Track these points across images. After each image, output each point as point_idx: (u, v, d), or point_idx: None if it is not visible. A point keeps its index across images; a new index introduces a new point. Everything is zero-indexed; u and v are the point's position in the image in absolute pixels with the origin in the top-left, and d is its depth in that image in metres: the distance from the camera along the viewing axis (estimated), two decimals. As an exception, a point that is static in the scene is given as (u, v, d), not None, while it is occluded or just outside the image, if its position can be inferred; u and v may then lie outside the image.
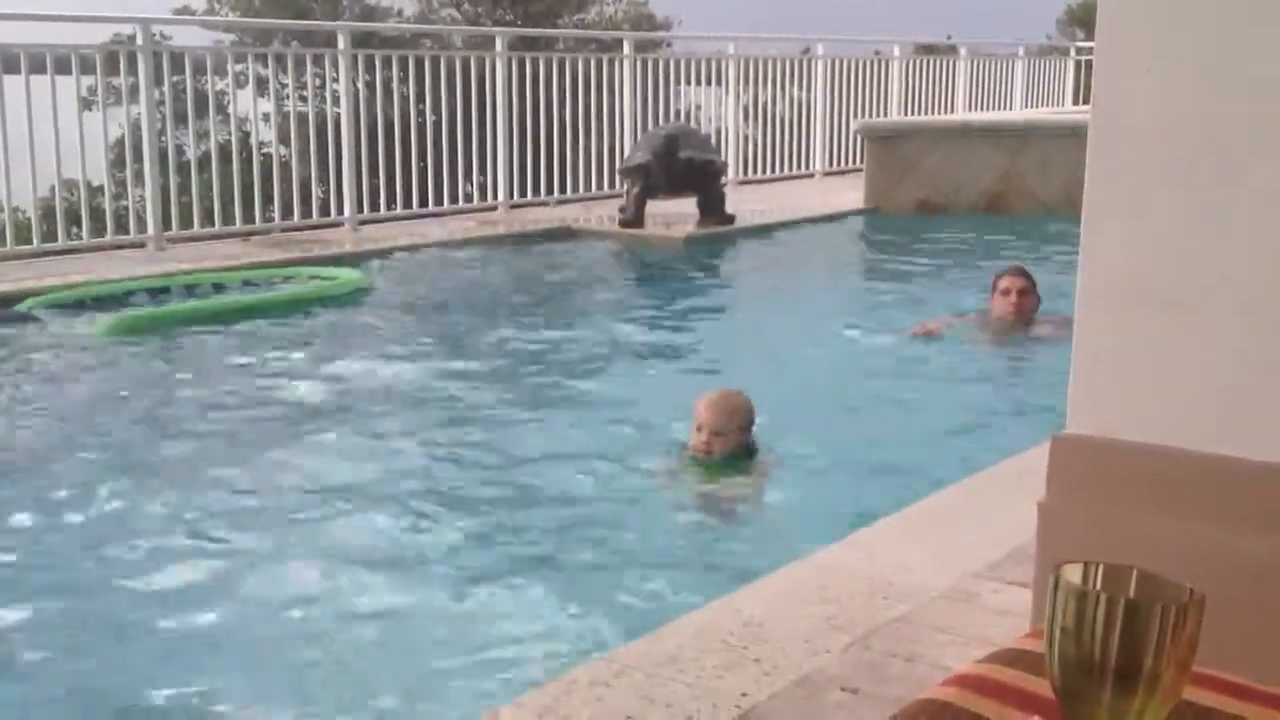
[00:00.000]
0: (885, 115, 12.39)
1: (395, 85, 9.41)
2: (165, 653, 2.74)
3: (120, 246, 7.61)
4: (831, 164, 12.19)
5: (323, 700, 2.55)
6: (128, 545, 3.31)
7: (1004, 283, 5.72)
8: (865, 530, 2.95)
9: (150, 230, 7.57)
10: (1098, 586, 1.03)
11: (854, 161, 11.83)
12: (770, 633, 2.35)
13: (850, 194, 10.32)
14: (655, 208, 8.69)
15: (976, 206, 9.89)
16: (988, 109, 13.80)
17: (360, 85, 8.97)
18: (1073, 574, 1.03)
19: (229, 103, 10.17)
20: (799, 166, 12.02)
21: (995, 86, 14.17)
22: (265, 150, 8.75)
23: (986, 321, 5.76)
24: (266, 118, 9.09)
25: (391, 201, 8.87)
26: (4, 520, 3.53)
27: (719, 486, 3.78)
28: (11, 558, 3.26)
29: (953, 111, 13.26)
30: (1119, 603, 1.00)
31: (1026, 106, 14.29)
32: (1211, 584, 1.06)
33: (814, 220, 9.51)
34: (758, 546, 3.27)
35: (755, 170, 11.68)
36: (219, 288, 6.67)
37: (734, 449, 3.81)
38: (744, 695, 2.10)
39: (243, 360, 5.34)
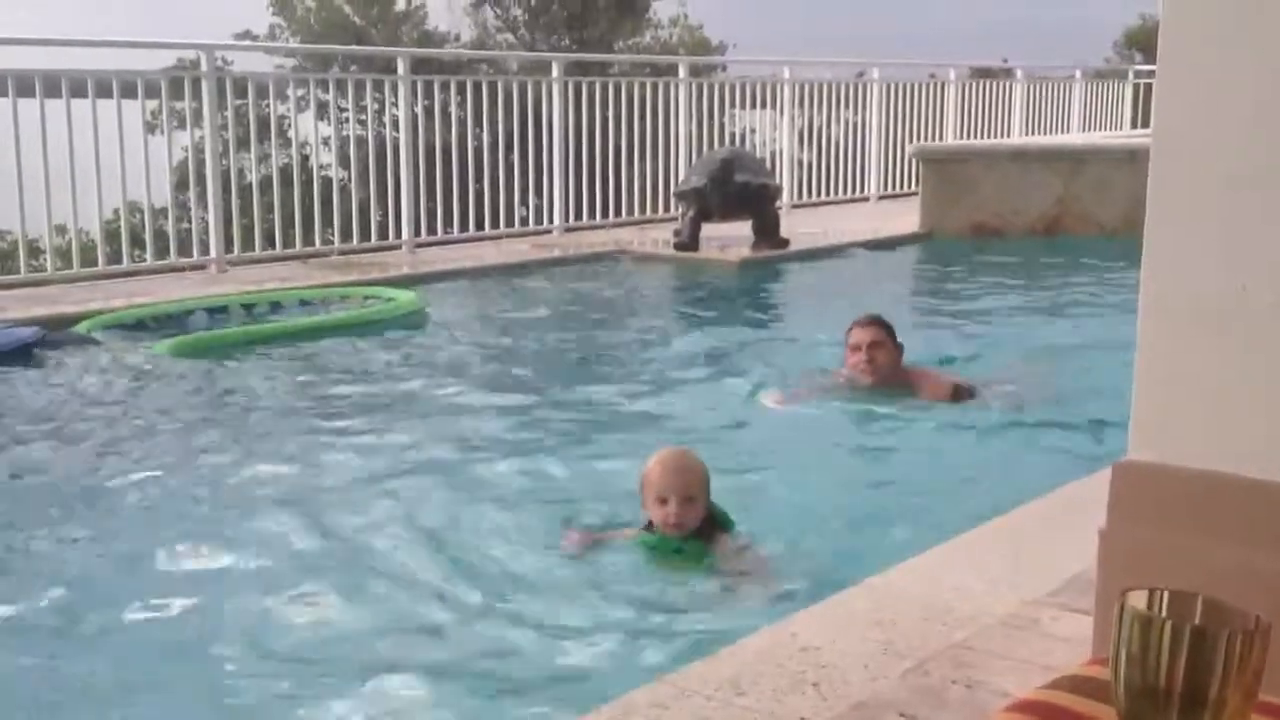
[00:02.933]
0: (941, 139, 12.36)
1: (453, 110, 9.53)
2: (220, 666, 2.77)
3: (182, 269, 7.75)
4: (886, 188, 12.16)
5: None
6: (184, 558, 3.37)
7: (853, 336, 4.86)
8: (922, 556, 2.94)
9: (212, 252, 7.70)
10: (1163, 613, 1.04)
11: (909, 185, 11.80)
12: (828, 657, 2.35)
13: (905, 218, 10.29)
14: (710, 231, 8.72)
15: (1033, 230, 9.83)
16: (1044, 133, 13.73)
17: (419, 110, 9.09)
18: (1138, 600, 1.04)
19: (289, 127, 10.34)
20: (854, 190, 12.01)
21: (1052, 110, 14.09)
22: (325, 173, 8.88)
23: (839, 383, 4.93)
24: (326, 141, 9.23)
25: (448, 224, 8.98)
26: (67, 533, 3.59)
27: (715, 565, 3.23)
28: (79, 570, 3.32)
29: (1009, 135, 13.20)
30: (1185, 630, 1.00)
31: (1084, 130, 14.20)
32: (1275, 612, 1.06)
33: (869, 244, 9.49)
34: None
35: (810, 194, 11.68)
36: (276, 309, 6.76)
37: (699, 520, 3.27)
38: (802, 719, 2.10)
39: (299, 380, 5.41)
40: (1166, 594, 1.05)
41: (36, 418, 4.82)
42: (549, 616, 2.95)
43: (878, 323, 4.89)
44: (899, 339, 4.90)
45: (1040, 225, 9.87)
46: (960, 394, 4.79)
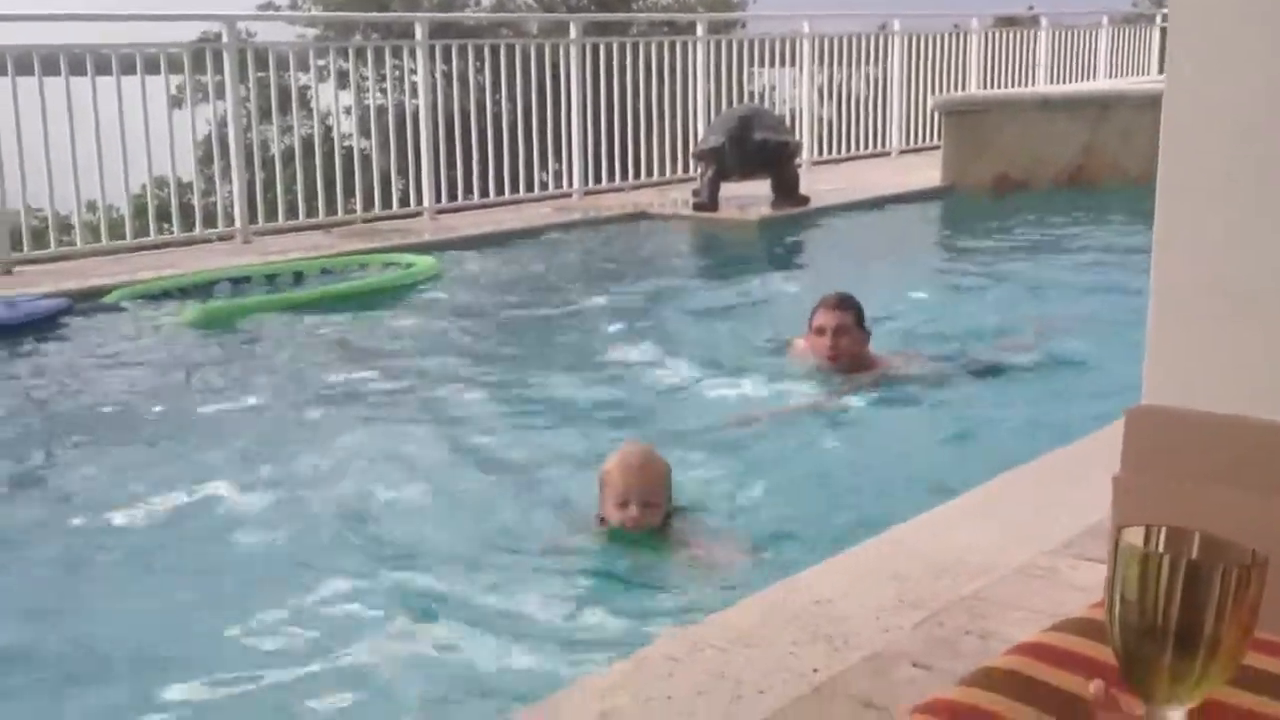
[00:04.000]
0: (964, 90, 12.22)
1: (471, 75, 9.49)
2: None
3: (209, 240, 7.80)
4: (908, 142, 12.05)
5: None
6: (212, 517, 3.41)
7: (816, 318, 4.55)
8: (935, 510, 2.93)
9: (237, 223, 7.74)
10: (1160, 549, 1.03)
11: (931, 139, 11.69)
12: (841, 610, 2.36)
13: (927, 172, 10.20)
14: (729, 190, 8.68)
15: (1057, 181, 9.72)
16: (1070, 81, 13.55)
17: (438, 75, 9.07)
18: (1135, 536, 1.03)
19: (311, 97, 10.34)
20: (875, 145, 11.91)
21: (1078, 57, 13.90)
22: (346, 143, 8.89)
23: (803, 363, 4.66)
24: (348, 111, 9.23)
25: (469, 190, 8.97)
26: (103, 495, 3.66)
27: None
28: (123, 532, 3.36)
29: (1034, 84, 13.04)
30: (1180, 565, 0.99)
31: (1111, 77, 14.01)
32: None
33: (890, 199, 9.42)
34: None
35: (830, 150, 11.59)
36: (299, 278, 6.81)
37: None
38: (815, 670, 2.11)
39: (322, 346, 5.45)
40: (1164, 530, 1.04)
41: (65, 383, 4.92)
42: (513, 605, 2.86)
43: (845, 305, 4.54)
44: (866, 323, 4.59)
45: (1065, 176, 9.77)
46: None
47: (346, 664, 2.63)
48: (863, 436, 4.11)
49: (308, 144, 8.39)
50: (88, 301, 6.07)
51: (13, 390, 4.86)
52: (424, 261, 6.88)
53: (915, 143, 12.05)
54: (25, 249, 7.09)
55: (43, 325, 5.65)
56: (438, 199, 8.66)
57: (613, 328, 5.73)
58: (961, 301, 6.11)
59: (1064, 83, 13.39)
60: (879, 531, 2.77)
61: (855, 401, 4.35)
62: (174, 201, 7.93)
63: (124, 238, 7.56)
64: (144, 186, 7.75)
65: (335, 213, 8.24)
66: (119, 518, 3.49)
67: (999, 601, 2.36)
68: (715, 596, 2.75)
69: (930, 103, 11.41)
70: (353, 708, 2.46)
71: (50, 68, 7.12)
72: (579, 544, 3.17)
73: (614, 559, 3.10)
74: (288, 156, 8.51)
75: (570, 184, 9.53)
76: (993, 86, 12.60)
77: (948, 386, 4.48)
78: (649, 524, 3.10)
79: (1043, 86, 12.81)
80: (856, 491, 3.57)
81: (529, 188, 9.33)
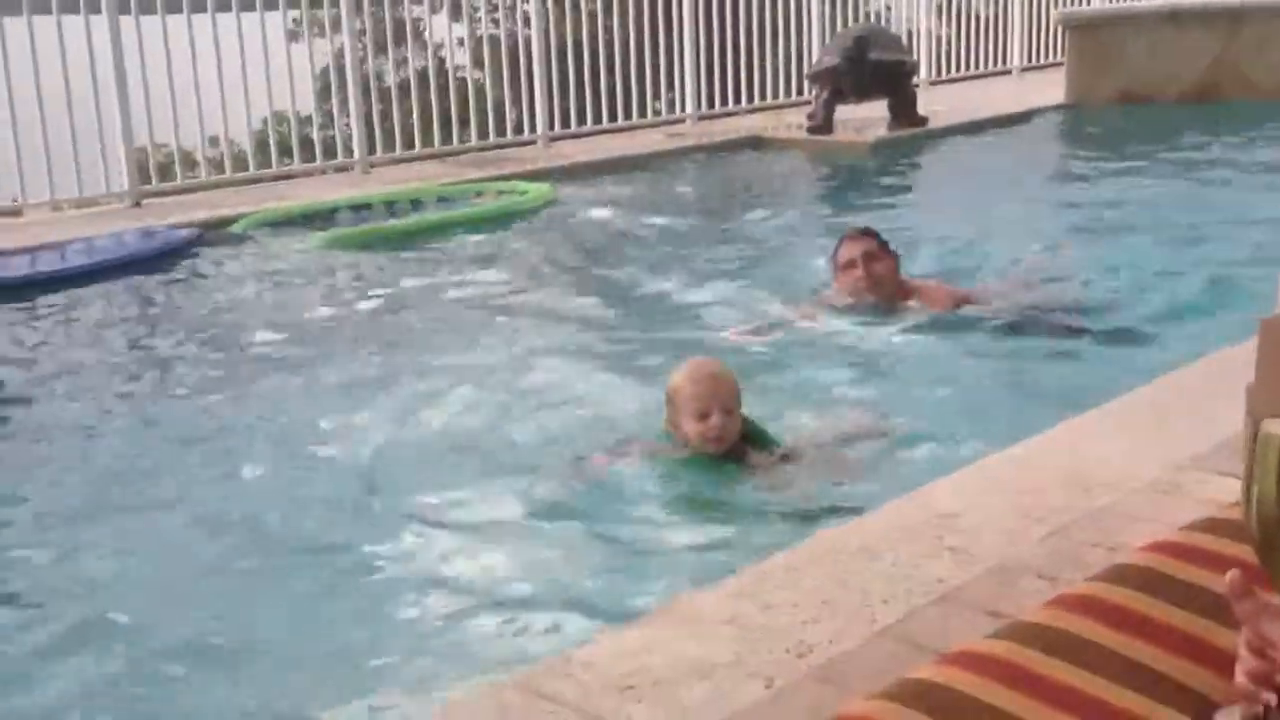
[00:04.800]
0: (1089, 3, 11.82)
1: (583, 2, 9.46)
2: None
3: (326, 172, 7.96)
4: (1030, 59, 11.73)
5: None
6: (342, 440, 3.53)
7: (843, 253, 4.40)
8: (1063, 425, 2.90)
9: (356, 154, 7.88)
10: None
11: (1054, 55, 11.35)
12: (966, 523, 2.36)
13: (1050, 89, 9.93)
14: (846, 112, 8.55)
15: (1186, 97, 9.38)
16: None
17: (549, 3, 9.07)
18: (1275, 426, 1.03)
19: (425, 28, 10.42)
20: (995, 63, 11.61)
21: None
22: (460, 74, 8.96)
23: (838, 305, 4.42)
24: (460, 41, 9.29)
25: (582, 118, 8.99)
26: (254, 414, 3.83)
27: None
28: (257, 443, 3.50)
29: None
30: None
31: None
32: None
33: (1010, 118, 9.20)
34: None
35: (949, 69, 11.34)
36: (417, 205, 6.93)
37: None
38: (940, 581, 2.12)
39: (442, 270, 5.58)
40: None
41: (205, 308, 5.13)
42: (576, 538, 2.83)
43: (869, 234, 4.44)
44: (894, 249, 4.44)
45: (1194, 92, 9.41)
46: (962, 305, 4.38)
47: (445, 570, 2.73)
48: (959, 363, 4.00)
49: (422, 76, 8.47)
50: (216, 230, 6.27)
51: (156, 316, 5.06)
52: (538, 188, 6.95)
53: (1037, 60, 11.72)
54: (153, 182, 7.33)
55: (178, 254, 5.85)
56: (551, 127, 8.70)
57: (725, 254, 5.73)
58: (1083, 224, 5.97)
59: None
60: (1003, 447, 2.75)
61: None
62: (294, 134, 8.10)
63: (247, 170, 7.76)
64: (265, 120, 7.92)
65: (450, 142, 8.34)
66: (275, 435, 3.65)
67: (1127, 515, 2.34)
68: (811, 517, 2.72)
69: (1053, 17, 11.07)
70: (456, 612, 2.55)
71: (173, 5, 7.30)
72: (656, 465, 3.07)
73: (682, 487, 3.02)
74: (404, 88, 8.60)
75: (683, 109, 9.49)
76: (1119, -1, 12.17)
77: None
78: (731, 436, 3.01)
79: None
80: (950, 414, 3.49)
81: (642, 114, 9.31)
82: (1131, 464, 2.59)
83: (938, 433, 3.29)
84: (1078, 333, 4.11)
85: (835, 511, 2.78)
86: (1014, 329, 4.15)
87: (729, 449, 3.05)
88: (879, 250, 4.37)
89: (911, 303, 4.36)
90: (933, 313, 4.30)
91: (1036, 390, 3.66)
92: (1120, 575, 1.23)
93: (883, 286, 4.33)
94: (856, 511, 2.59)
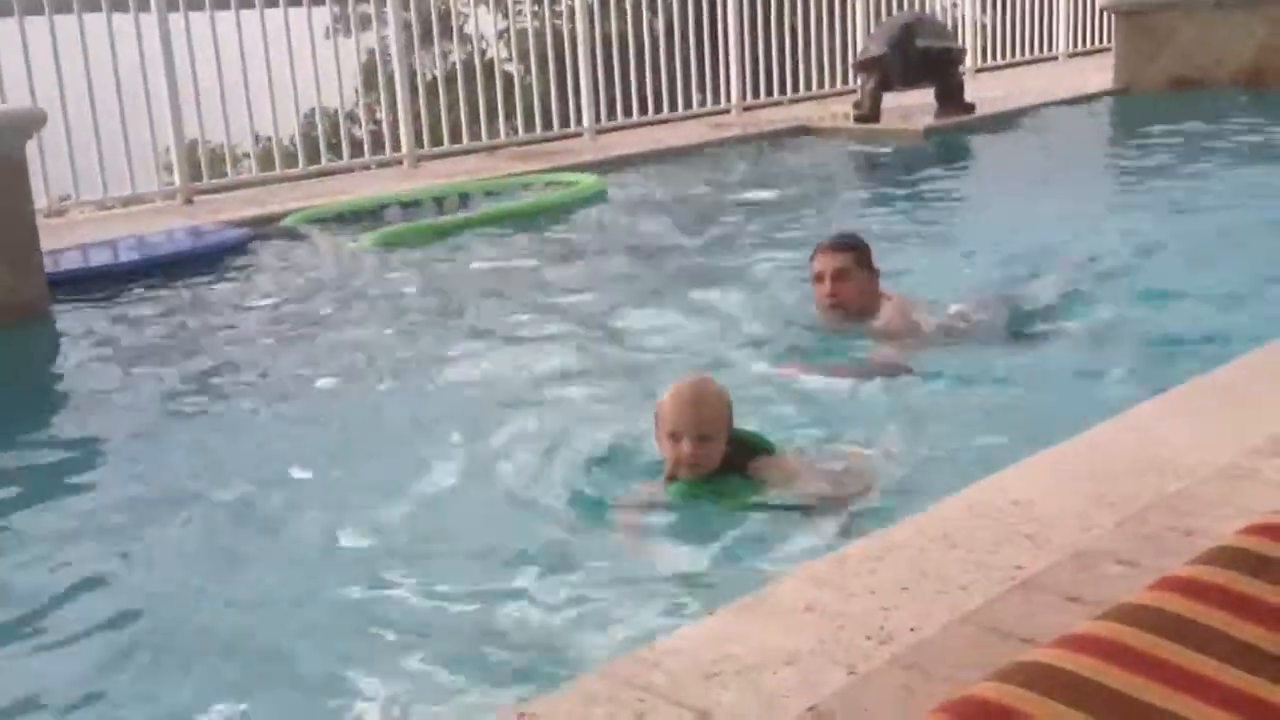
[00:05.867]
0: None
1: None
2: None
3: (369, 167, 8.01)
4: (1077, 44, 11.63)
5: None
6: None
7: (814, 264, 4.10)
8: (1132, 410, 2.88)
9: (404, 149, 7.92)
10: None
11: (1101, 40, 11.25)
12: (1041, 510, 2.35)
13: (1098, 75, 9.84)
14: (891, 100, 8.51)
15: (1237, 81, 9.27)
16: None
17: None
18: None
19: (466, 23, 10.47)
20: (1042, 49, 11.52)
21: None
22: (506, 67, 8.99)
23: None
24: (503, 35, 9.32)
25: (628, 110, 9.00)
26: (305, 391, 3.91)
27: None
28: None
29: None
30: None
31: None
32: None
33: (1059, 104, 9.12)
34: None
35: (994, 56, 11.26)
36: (465, 200, 6.96)
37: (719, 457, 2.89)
38: (1018, 567, 2.12)
39: (499, 264, 5.60)
40: None
41: (259, 307, 5.15)
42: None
43: (843, 247, 4.08)
44: (874, 263, 4.09)
45: (1244, 75, 9.30)
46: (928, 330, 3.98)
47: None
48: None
49: (468, 69, 8.51)
50: (266, 226, 6.33)
51: (206, 316, 5.09)
52: (587, 180, 6.97)
53: (1084, 45, 11.62)
54: (205, 179, 7.41)
55: (228, 252, 5.90)
56: (597, 119, 8.72)
57: (774, 244, 5.71)
58: (1132, 213, 5.90)
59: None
60: (1074, 434, 2.74)
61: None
62: (342, 129, 8.16)
63: (296, 166, 7.82)
64: (311, 112, 7.98)
65: (497, 136, 8.37)
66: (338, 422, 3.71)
67: (1203, 500, 2.33)
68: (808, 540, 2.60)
69: (1101, 2, 10.96)
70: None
71: (221, 2, 7.36)
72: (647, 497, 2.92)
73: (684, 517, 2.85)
74: (450, 80, 8.64)
75: (728, 100, 9.48)
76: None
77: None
78: (705, 463, 2.85)
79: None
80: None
81: (687, 105, 9.31)
82: (1203, 448, 2.57)
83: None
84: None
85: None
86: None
87: (725, 468, 2.89)
88: (853, 265, 4.04)
89: (875, 323, 4.03)
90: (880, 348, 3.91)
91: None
92: (1223, 557, 1.23)
93: (847, 306, 4.04)
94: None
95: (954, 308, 4.13)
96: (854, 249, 4.09)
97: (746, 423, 3.07)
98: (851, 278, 4.03)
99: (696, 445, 2.84)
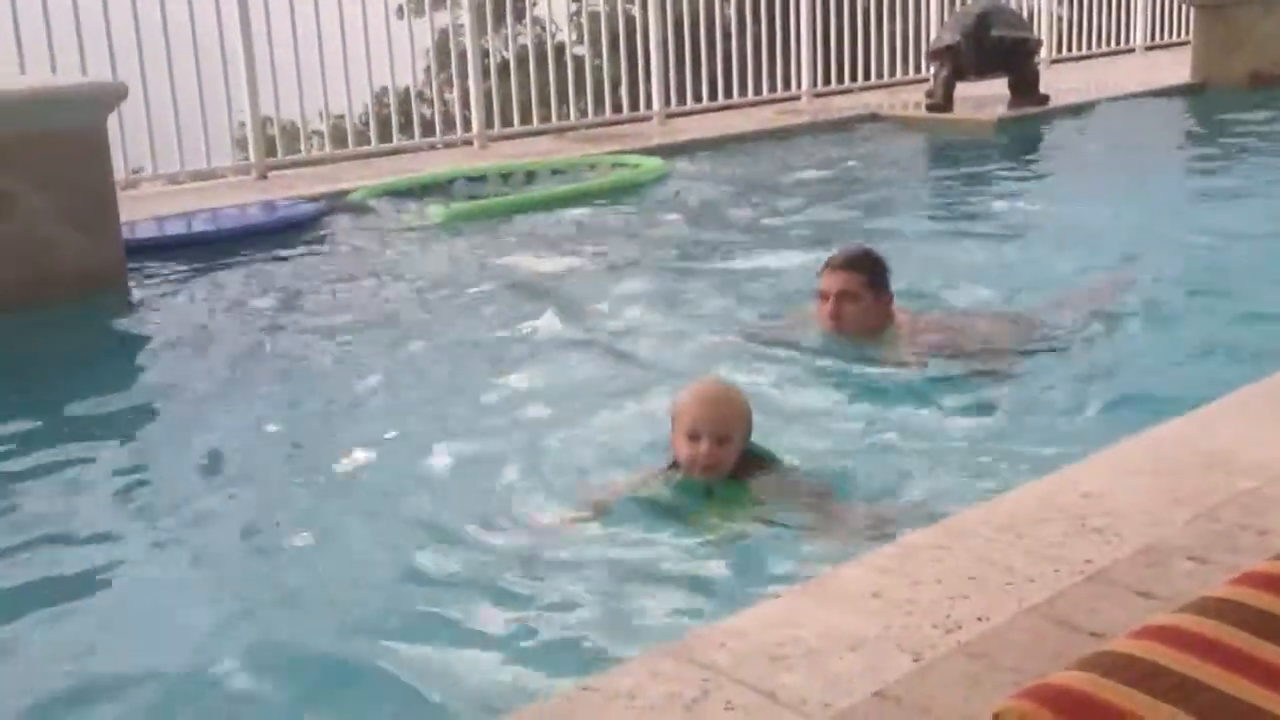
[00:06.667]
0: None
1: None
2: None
3: (437, 147, 8.07)
4: (1154, 37, 11.46)
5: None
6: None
7: (823, 281, 3.89)
8: (1200, 410, 2.86)
9: (474, 128, 7.99)
10: None
11: (1180, 33, 11.08)
12: (1109, 505, 2.34)
13: (1175, 69, 9.69)
14: (964, 90, 8.44)
15: (1321, 78, 9.08)
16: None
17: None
18: None
19: (537, 5, 10.51)
20: (1119, 41, 11.36)
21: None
22: (576, 51, 9.03)
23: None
24: (572, 18, 9.36)
25: (697, 95, 9.00)
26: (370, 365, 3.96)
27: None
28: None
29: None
30: None
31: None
32: None
33: (1135, 98, 8.99)
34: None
35: (1070, 48, 11.13)
36: (531, 177, 7.02)
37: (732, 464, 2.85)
38: (1088, 561, 2.11)
39: (558, 244, 5.67)
40: None
41: (333, 278, 5.25)
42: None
43: (853, 266, 3.85)
44: (888, 283, 3.88)
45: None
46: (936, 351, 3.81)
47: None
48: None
49: (539, 51, 8.54)
50: (336, 201, 6.42)
51: (278, 289, 5.17)
52: (650, 162, 7.01)
53: (1162, 38, 11.44)
54: (279, 155, 7.51)
55: (300, 227, 6.00)
56: (666, 103, 8.73)
57: (839, 231, 5.68)
58: (1208, 210, 5.81)
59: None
60: (1143, 429, 2.72)
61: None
62: (414, 108, 8.23)
63: (369, 143, 7.91)
64: (381, 94, 8.07)
65: (567, 118, 8.42)
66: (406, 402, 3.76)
67: (1275, 499, 2.31)
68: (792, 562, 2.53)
69: (1180, -5, 10.80)
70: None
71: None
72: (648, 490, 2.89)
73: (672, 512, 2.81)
74: (521, 61, 8.68)
75: (798, 86, 9.44)
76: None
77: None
78: (721, 467, 2.82)
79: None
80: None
81: (757, 91, 9.29)
82: (1272, 447, 2.55)
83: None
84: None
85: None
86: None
87: (732, 473, 2.85)
88: (861, 288, 3.82)
89: (886, 337, 3.89)
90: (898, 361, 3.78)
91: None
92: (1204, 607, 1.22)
93: (848, 328, 3.84)
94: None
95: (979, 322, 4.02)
96: (865, 270, 3.86)
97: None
98: (858, 300, 3.82)
99: (714, 446, 2.80)
